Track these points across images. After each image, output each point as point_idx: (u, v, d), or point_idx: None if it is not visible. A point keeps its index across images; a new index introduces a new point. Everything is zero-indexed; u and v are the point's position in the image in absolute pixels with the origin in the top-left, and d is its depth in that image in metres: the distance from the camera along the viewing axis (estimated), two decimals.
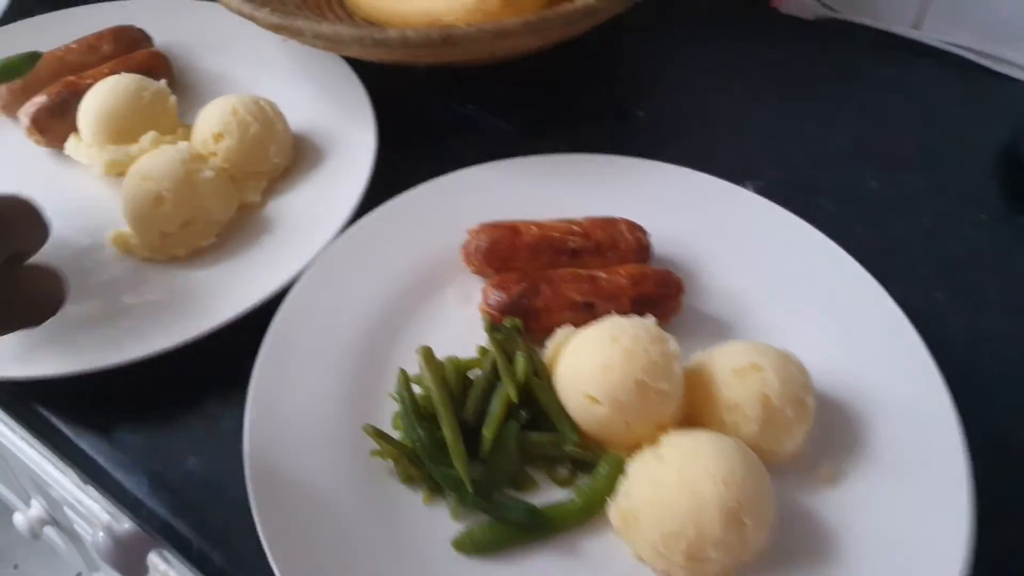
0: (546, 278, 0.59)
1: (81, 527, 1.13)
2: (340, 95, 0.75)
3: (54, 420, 0.60)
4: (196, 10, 0.85)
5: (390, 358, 0.59)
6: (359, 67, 0.76)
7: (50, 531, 1.22)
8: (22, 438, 0.97)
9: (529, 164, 0.69)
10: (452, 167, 0.71)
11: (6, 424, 0.96)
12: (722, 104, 0.81)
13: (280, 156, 0.70)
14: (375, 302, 0.62)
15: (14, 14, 0.86)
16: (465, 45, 0.64)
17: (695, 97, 0.82)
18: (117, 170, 0.69)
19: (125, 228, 0.66)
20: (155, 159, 0.64)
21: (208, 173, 0.64)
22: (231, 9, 0.69)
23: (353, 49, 0.67)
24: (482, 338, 0.58)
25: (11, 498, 1.35)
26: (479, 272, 0.63)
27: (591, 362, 0.52)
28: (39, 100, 0.71)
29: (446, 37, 0.63)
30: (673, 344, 0.52)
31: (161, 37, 0.82)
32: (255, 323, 0.60)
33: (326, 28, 0.65)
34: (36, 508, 1.20)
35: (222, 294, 0.62)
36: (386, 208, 0.66)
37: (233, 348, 0.61)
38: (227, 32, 0.82)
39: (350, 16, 0.83)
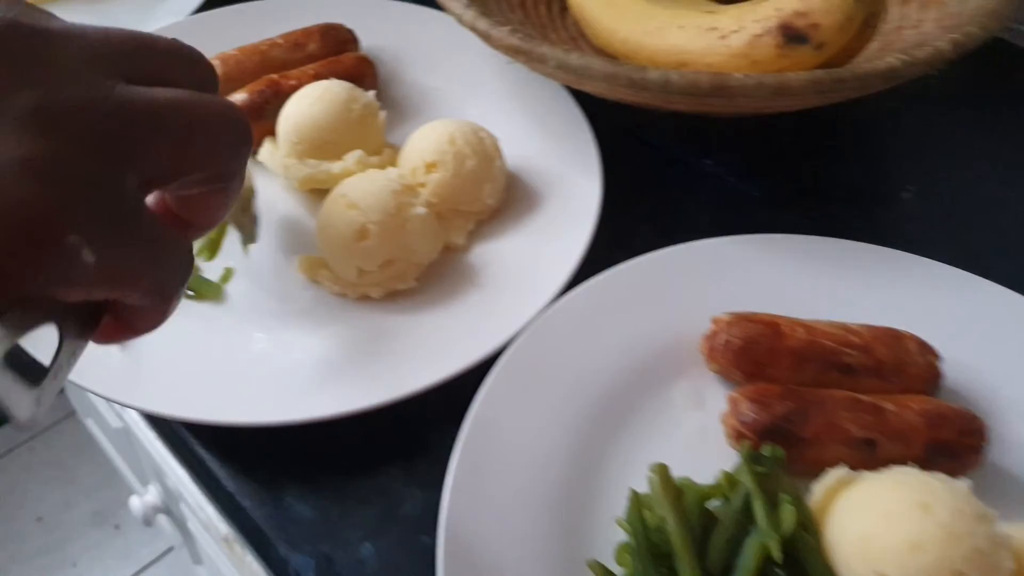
0: (817, 399, 0.48)
1: (195, 527, 1.09)
2: (561, 130, 0.66)
3: (215, 469, 0.53)
4: (404, 13, 0.78)
5: (607, 463, 0.50)
6: (581, 98, 0.67)
7: (163, 519, 1.19)
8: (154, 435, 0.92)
9: (781, 244, 0.58)
10: (680, 228, 0.61)
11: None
12: (1006, 196, 0.67)
13: (493, 196, 0.61)
14: (592, 389, 0.52)
15: (217, 1, 0.80)
16: (736, 98, 0.54)
17: (972, 183, 0.69)
18: (312, 186, 0.62)
19: (315, 254, 0.59)
20: (363, 186, 0.56)
21: (420, 209, 0.56)
22: (463, 24, 0.61)
23: (598, 86, 0.57)
24: (720, 456, 0.49)
25: (130, 477, 1.33)
26: (722, 373, 0.52)
27: (891, 533, 0.41)
28: (239, 97, 0.65)
29: (718, 86, 0.53)
30: (1000, 526, 0.41)
31: (365, 39, 0.75)
32: (445, 387, 0.52)
33: (574, 59, 0.56)
34: (152, 494, 1.17)
35: (417, 352, 0.54)
36: (610, 276, 0.56)
37: (419, 414, 0.53)
38: (436, 41, 0.75)
39: (573, 39, 0.74)
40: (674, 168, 0.68)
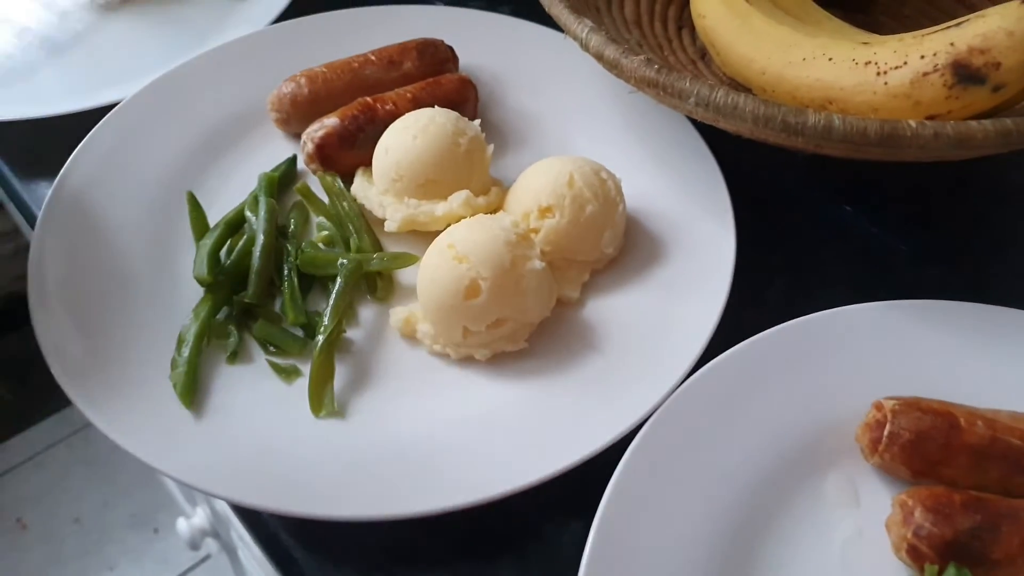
0: (1008, 510, 0.41)
1: (245, 558, 1.04)
2: (685, 168, 0.59)
3: (299, 558, 0.47)
4: (503, 27, 0.71)
5: (754, 569, 0.43)
6: (706, 133, 0.60)
7: (211, 543, 1.14)
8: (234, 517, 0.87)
9: (946, 313, 0.51)
10: (818, 284, 0.55)
11: None
12: None
13: (612, 245, 0.54)
14: (734, 483, 0.46)
15: (299, 8, 0.73)
16: (907, 149, 0.47)
17: None
18: (411, 228, 0.55)
19: (413, 307, 0.53)
20: (473, 235, 0.50)
21: (536, 263, 0.50)
22: (587, 50, 0.54)
23: (742, 126, 0.50)
24: (882, 565, 0.43)
25: (179, 498, 1.29)
26: (884, 467, 0.46)
27: None
28: (329, 123, 0.59)
29: (889, 136, 0.46)
30: None
31: (461, 55, 0.68)
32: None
33: (720, 96, 0.49)
34: (200, 517, 1.12)
35: (531, 434, 0.47)
36: (749, 347, 0.49)
37: (532, 500, 0.46)
38: (540, 60, 0.68)
39: (692, 62, 0.67)
40: (808, 213, 0.61)
